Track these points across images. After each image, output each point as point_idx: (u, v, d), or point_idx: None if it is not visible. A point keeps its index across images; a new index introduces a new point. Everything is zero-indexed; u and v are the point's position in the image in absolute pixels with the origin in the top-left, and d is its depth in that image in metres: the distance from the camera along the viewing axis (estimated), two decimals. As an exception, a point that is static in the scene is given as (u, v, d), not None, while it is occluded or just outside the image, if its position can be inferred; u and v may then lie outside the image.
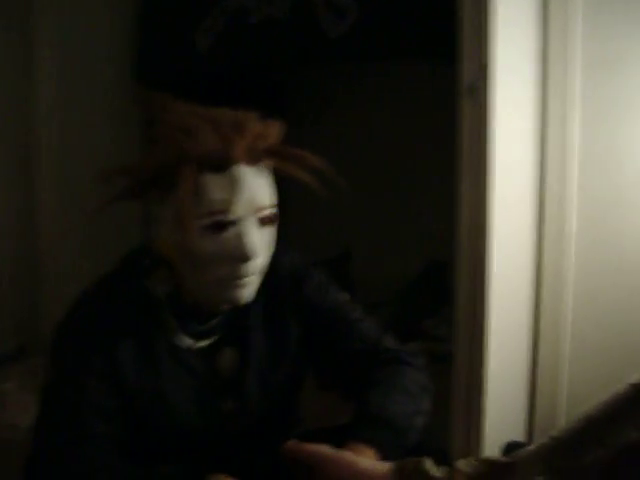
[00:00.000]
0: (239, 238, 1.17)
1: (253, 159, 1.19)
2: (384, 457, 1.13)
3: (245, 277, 1.20)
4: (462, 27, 1.80)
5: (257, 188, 1.18)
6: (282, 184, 1.28)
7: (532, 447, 0.84)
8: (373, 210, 3.97)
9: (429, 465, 0.87)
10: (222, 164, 1.16)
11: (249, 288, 1.22)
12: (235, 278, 1.19)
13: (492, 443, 1.96)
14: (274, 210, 1.23)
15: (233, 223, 1.17)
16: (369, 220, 3.96)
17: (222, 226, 1.17)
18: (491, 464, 0.84)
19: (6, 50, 3.06)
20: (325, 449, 1.02)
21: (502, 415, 2.05)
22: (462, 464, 0.86)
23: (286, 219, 1.31)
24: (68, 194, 3.11)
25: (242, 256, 1.17)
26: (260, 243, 1.20)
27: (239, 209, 1.16)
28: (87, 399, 1.18)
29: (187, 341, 1.29)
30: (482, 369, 1.89)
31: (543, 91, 2.18)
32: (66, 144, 3.08)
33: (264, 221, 1.21)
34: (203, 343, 1.31)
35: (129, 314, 1.25)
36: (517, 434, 2.17)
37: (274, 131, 1.23)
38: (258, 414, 1.33)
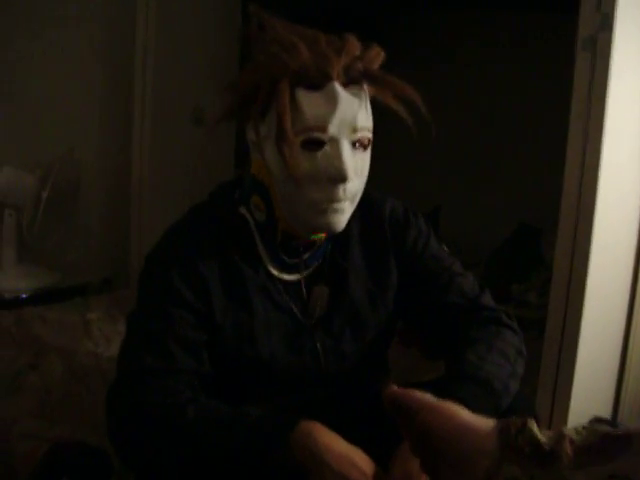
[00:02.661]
0: (334, 157, 1.14)
1: (350, 80, 1.16)
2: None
3: (338, 201, 1.17)
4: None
5: (353, 109, 1.16)
6: (376, 137, 1.24)
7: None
8: (466, 168, 3.89)
9: (536, 428, 0.82)
10: (318, 81, 1.14)
11: (342, 215, 1.19)
12: (329, 201, 1.17)
13: (577, 416, 1.90)
14: (369, 134, 1.20)
15: (328, 141, 1.15)
16: (461, 179, 3.89)
17: (317, 144, 1.15)
18: (604, 435, 0.78)
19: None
20: (427, 395, 0.98)
21: (590, 389, 1.99)
22: (570, 432, 0.81)
23: (377, 171, 1.27)
24: (164, 132, 3.13)
25: (336, 175, 1.14)
26: (354, 165, 1.17)
27: (334, 127, 1.14)
28: (173, 329, 1.18)
29: (277, 273, 1.27)
30: (575, 339, 1.82)
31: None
32: (163, 80, 3.09)
33: (358, 144, 1.18)
34: (294, 277, 1.28)
35: (220, 243, 1.24)
36: (603, 410, 2.10)
37: (373, 55, 1.19)
38: (347, 358, 1.30)
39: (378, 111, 1.23)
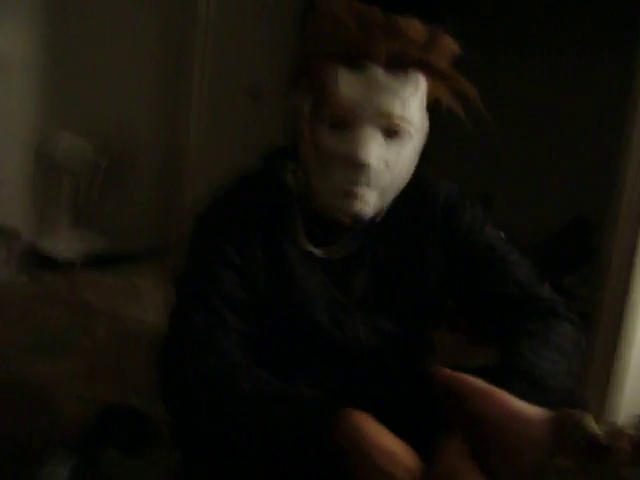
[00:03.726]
0: (356, 139, 1.11)
1: (400, 66, 1.11)
2: None
3: (358, 185, 1.14)
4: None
5: (391, 95, 1.11)
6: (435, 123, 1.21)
7: None
8: (521, 157, 3.84)
9: (592, 422, 0.81)
10: (359, 61, 1.11)
11: (364, 203, 1.16)
12: (349, 184, 1.14)
13: (629, 411, 1.87)
14: (405, 125, 1.14)
15: (355, 123, 1.12)
16: (516, 166, 3.84)
17: (346, 124, 1.12)
18: (659, 433, 0.77)
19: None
20: (478, 381, 0.97)
21: (636, 386, 1.95)
22: (628, 427, 0.79)
23: (433, 155, 1.25)
24: (219, 106, 3.15)
25: (355, 158, 1.11)
26: (380, 153, 1.13)
27: (364, 110, 1.11)
28: (220, 289, 1.18)
29: (312, 248, 1.26)
30: (623, 336, 1.79)
31: None
32: (221, 55, 3.10)
33: (390, 132, 1.14)
34: (331, 255, 1.28)
35: (265, 208, 1.23)
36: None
37: (438, 45, 1.13)
38: (387, 336, 1.28)
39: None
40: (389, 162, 1.15)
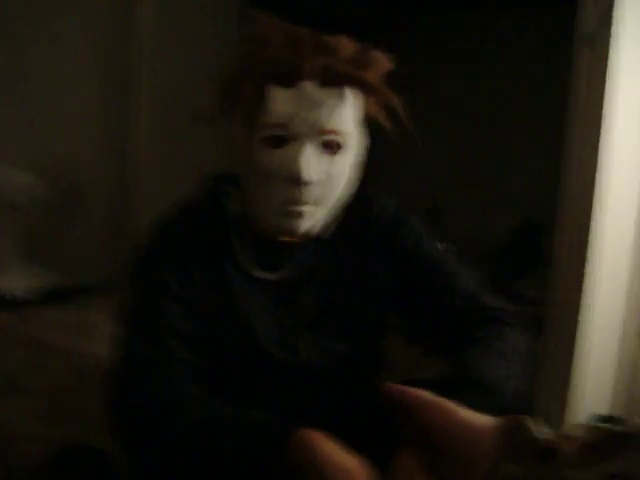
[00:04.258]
0: (294, 156, 1.12)
1: (330, 81, 1.13)
2: None
3: (299, 204, 1.14)
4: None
5: (325, 109, 1.12)
6: (375, 134, 1.23)
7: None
8: (466, 166, 3.89)
9: (534, 426, 0.82)
10: (289, 78, 1.12)
11: (304, 220, 1.16)
12: (290, 203, 1.14)
13: (577, 414, 1.90)
14: (340, 138, 1.15)
15: (289, 140, 1.12)
16: (461, 176, 3.89)
17: (280, 141, 1.13)
18: (605, 433, 0.78)
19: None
20: (425, 393, 0.97)
21: (591, 386, 1.98)
22: (570, 430, 0.80)
23: (376, 170, 1.26)
24: (162, 130, 3.13)
25: (294, 175, 1.11)
26: (318, 169, 1.14)
27: (299, 126, 1.11)
28: (164, 320, 1.17)
29: (255, 271, 1.26)
30: (573, 335, 1.81)
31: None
32: (161, 73, 3.10)
33: (327, 146, 1.14)
34: (273, 275, 1.27)
35: (206, 236, 1.23)
36: (604, 407, 2.09)
37: (367, 60, 1.15)
38: (332, 355, 1.28)
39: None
40: (328, 176, 1.16)
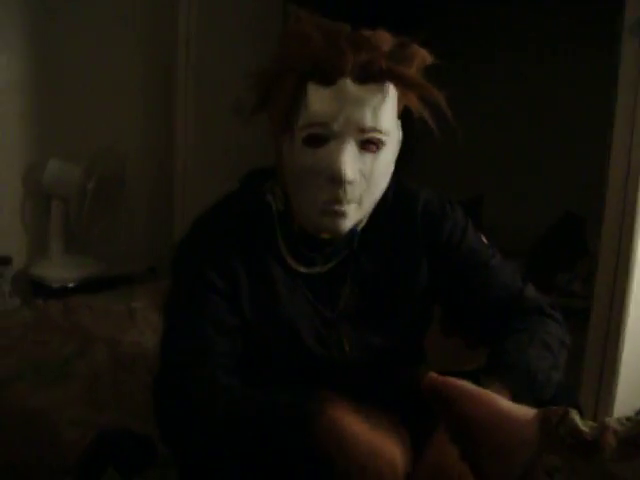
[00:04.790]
0: (336, 156, 1.11)
1: (369, 77, 1.12)
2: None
3: (339, 203, 1.14)
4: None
5: (364, 107, 1.12)
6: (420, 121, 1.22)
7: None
8: (510, 157, 3.85)
9: (578, 418, 0.82)
10: (330, 76, 1.11)
11: (345, 219, 1.17)
12: (330, 202, 1.15)
13: (623, 408, 1.87)
14: (381, 136, 1.15)
15: (332, 138, 1.12)
16: (505, 167, 3.86)
17: (320, 140, 1.13)
18: (649, 427, 0.77)
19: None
20: (466, 384, 0.98)
21: (635, 380, 1.95)
22: (614, 423, 0.79)
23: (420, 160, 1.25)
24: (206, 124, 3.16)
25: (336, 175, 1.11)
26: (358, 167, 1.14)
27: (339, 125, 1.11)
28: (206, 313, 1.19)
29: (296, 266, 1.26)
30: (621, 330, 1.79)
31: None
32: (205, 72, 3.12)
33: (366, 145, 1.15)
34: (314, 270, 1.28)
35: (246, 232, 1.25)
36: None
37: (407, 54, 1.14)
38: (373, 350, 1.29)
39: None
40: (365, 174, 1.15)
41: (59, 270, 3.07)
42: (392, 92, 1.15)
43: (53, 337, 2.50)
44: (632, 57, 1.70)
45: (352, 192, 1.15)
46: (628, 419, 0.81)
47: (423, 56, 1.16)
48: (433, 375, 1.01)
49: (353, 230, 1.25)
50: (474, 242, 1.34)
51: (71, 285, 3.04)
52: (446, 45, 1.26)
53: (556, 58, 3.66)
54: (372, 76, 1.13)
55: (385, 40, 1.14)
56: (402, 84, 1.16)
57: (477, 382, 1.09)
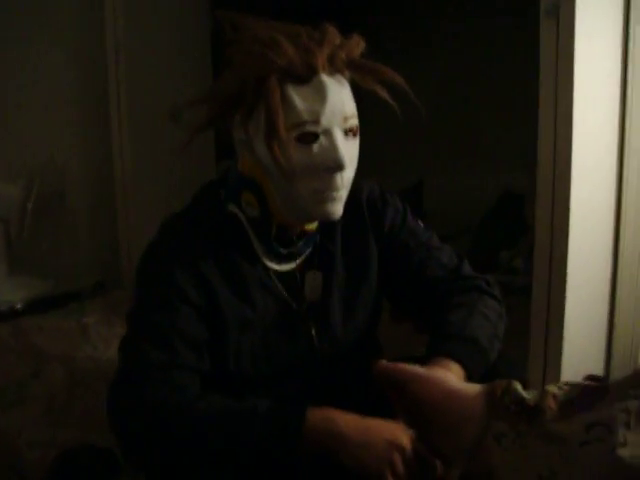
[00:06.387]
0: (329, 148, 1.17)
1: (335, 69, 1.19)
2: (469, 372, 1.14)
3: (337, 189, 1.19)
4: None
5: (341, 97, 1.18)
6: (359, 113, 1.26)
7: (627, 373, 0.82)
8: (446, 142, 3.92)
9: (520, 388, 0.87)
10: (305, 75, 1.16)
11: (339, 203, 1.22)
12: (328, 190, 1.19)
13: (570, 377, 1.94)
14: (357, 121, 1.22)
15: (322, 133, 1.17)
16: (442, 151, 3.93)
17: (312, 136, 1.17)
18: (583, 388, 0.82)
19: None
20: (416, 367, 1.02)
21: (580, 349, 2.02)
22: (553, 388, 0.85)
23: (361, 150, 1.30)
24: (143, 132, 3.15)
25: (334, 165, 1.16)
26: (347, 154, 1.19)
27: (327, 118, 1.16)
28: (176, 325, 1.19)
29: (273, 265, 1.30)
30: (561, 301, 1.86)
31: (626, 14, 2.07)
32: (138, 81, 3.11)
33: (349, 132, 1.20)
34: (287, 267, 1.31)
35: (214, 241, 1.26)
36: (595, 369, 2.14)
37: (354, 44, 1.21)
38: (342, 340, 1.33)
39: (357, 91, 1.25)
40: (352, 159, 1.22)
41: (5, 292, 3.02)
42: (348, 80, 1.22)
43: (5, 360, 2.47)
44: (550, 39, 1.77)
45: (346, 177, 1.20)
46: (566, 384, 0.86)
47: (362, 44, 1.23)
48: (383, 362, 1.05)
49: (319, 224, 1.30)
50: (413, 225, 1.41)
51: (19, 306, 3.00)
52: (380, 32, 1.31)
53: (488, 42, 3.73)
54: (337, 68, 1.19)
55: (335, 34, 1.20)
56: (362, 71, 1.22)
57: (427, 353, 1.15)
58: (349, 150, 1.20)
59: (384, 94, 1.22)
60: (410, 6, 3.95)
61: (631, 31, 2.02)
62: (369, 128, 1.43)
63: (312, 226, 1.30)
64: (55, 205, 3.12)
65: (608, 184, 2.06)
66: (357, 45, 1.21)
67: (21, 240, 2.96)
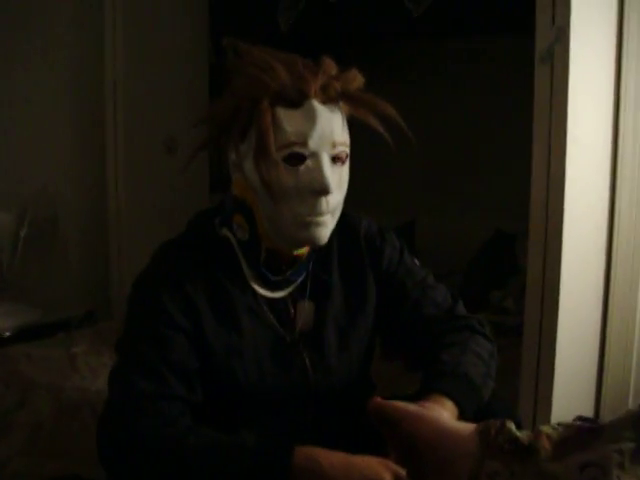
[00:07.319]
0: (315, 171, 1.19)
1: (327, 98, 1.22)
2: (462, 410, 1.15)
3: (321, 214, 1.21)
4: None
5: (332, 124, 1.21)
6: (352, 153, 1.29)
7: (621, 414, 0.83)
8: (439, 181, 3.96)
9: (514, 427, 0.87)
10: (297, 100, 1.19)
11: (325, 228, 1.23)
12: (312, 214, 1.21)
13: (559, 417, 1.94)
14: (347, 150, 1.25)
15: (309, 156, 1.19)
16: (434, 191, 3.95)
17: (299, 158, 1.19)
18: (577, 428, 0.83)
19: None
20: (410, 405, 1.02)
21: (570, 390, 2.03)
22: (546, 428, 0.85)
23: (353, 187, 1.32)
24: (137, 163, 3.16)
25: (319, 188, 1.19)
26: (334, 179, 1.21)
27: (314, 142, 1.19)
28: (167, 355, 1.19)
29: (262, 291, 1.30)
30: (552, 341, 1.87)
31: (618, 62, 2.11)
32: (134, 111, 3.13)
33: (337, 158, 1.23)
34: (279, 294, 1.32)
35: (205, 266, 1.27)
36: (585, 410, 2.14)
37: (350, 77, 1.25)
38: (336, 371, 1.33)
39: (353, 127, 1.28)
40: (338, 185, 1.24)
41: (-6, 319, 3.00)
42: (342, 110, 1.25)
43: (-5, 388, 2.45)
44: (545, 83, 1.80)
45: (330, 202, 1.22)
46: (559, 424, 0.86)
47: (359, 77, 1.26)
48: (377, 399, 1.05)
49: (310, 253, 1.30)
50: (409, 263, 1.42)
51: (7, 334, 2.97)
52: (377, 71, 1.34)
53: (479, 86, 3.78)
54: (330, 98, 1.22)
55: (332, 66, 1.25)
56: (356, 103, 1.25)
57: (420, 390, 1.15)
58: (336, 176, 1.22)
59: (378, 126, 1.25)
60: (410, 46, 4.01)
61: (623, 78, 2.06)
62: (363, 167, 1.45)
63: (301, 252, 1.30)
64: (47, 234, 3.11)
65: (600, 225, 2.09)
66: (354, 79, 1.25)
67: (11, 267, 2.95)
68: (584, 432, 0.83)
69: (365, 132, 1.28)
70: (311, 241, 1.24)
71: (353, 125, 1.29)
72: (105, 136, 3.16)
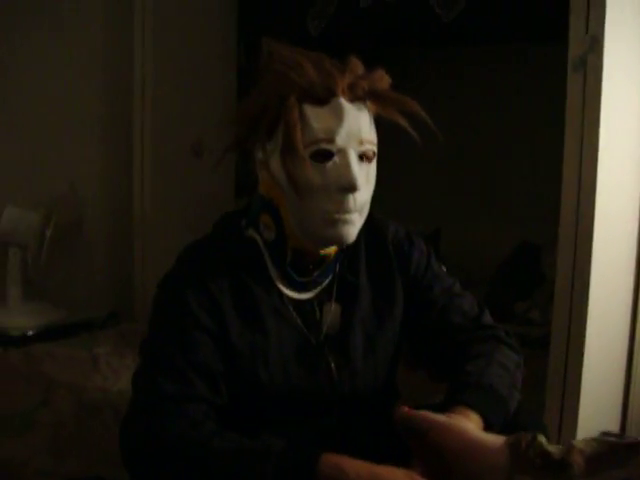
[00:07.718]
0: (343, 167, 1.19)
1: (355, 97, 1.22)
2: (488, 422, 1.13)
3: (349, 212, 1.20)
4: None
5: (359, 122, 1.21)
6: (378, 161, 1.29)
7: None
8: (465, 190, 3.93)
9: (545, 441, 0.85)
10: (324, 97, 1.19)
11: (352, 226, 1.22)
12: (340, 211, 1.20)
13: (585, 431, 1.91)
14: (374, 148, 1.24)
15: (336, 152, 1.19)
16: (460, 199, 3.93)
17: (326, 155, 1.19)
18: (612, 444, 0.81)
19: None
20: (438, 416, 1.00)
21: (596, 403, 2.00)
22: (580, 443, 0.83)
23: (379, 195, 1.31)
24: (164, 166, 3.17)
25: (346, 185, 1.18)
26: (361, 176, 1.21)
27: (342, 139, 1.19)
28: (192, 356, 1.18)
29: (288, 292, 1.29)
30: (580, 354, 1.84)
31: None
32: (162, 114, 3.14)
33: (365, 156, 1.22)
34: (305, 295, 1.31)
35: (231, 267, 1.27)
36: (611, 424, 2.11)
37: (377, 76, 1.25)
38: (362, 376, 1.32)
39: (380, 133, 1.28)
40: (366, 184, 1.23)
41: (18, 318, 3.01)
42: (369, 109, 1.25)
43: (15, 386, 2.46)
44: (577, 92, 1.78)
45: (359, 200, 1.22)
46: (593, 440, 0.84)
47: (387, 79, 1.27)
48: (404, 409, 1.04)
49: (337, 254, 1.29)
50: (437, 269, 1.41)
51: (31, 333, 2.99)
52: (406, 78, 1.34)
53: (510, 93, 3.76)
54: (357, 96, 1.22)
55: (359, 65, 1.25)
56: (383, 101, 1.25)
57: (445, 402, 1.13)
58: (363, 173, 1.22)
59: (405, 124, 1.24)
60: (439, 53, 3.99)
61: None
62: (389, 174, 1.44)
63: (328, 252, 1.29)
64: (72, 234, 3.13)
65: (631, 235, 2.06)
66: (381, 78, 1.25)
67: (37, 267, 2.97)
68: (621, 448, 0.80)
69: (391, 140, 1.28)
70: (338, 239, 1.23)
71: (380, 131, 1.28)
72: (132, 138, 3.18)
